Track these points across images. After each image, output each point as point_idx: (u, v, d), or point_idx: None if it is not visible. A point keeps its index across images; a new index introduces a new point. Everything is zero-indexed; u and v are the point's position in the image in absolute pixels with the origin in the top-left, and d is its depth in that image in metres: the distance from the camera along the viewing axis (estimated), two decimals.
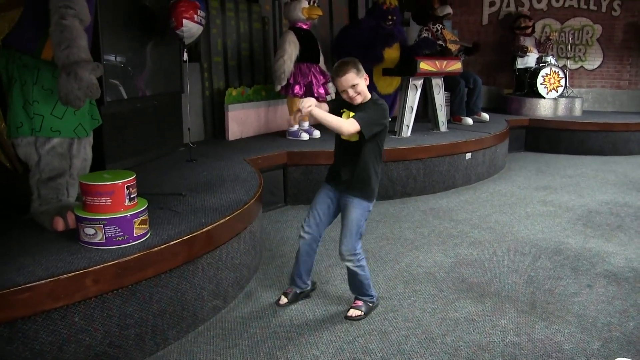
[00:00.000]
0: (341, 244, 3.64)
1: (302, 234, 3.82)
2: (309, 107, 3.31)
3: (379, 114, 3.47)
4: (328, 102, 3.67)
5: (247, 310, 3.87)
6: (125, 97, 5.23)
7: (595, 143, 9.69)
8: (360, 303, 3.76)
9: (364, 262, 3.68)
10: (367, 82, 3.50)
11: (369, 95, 3.52)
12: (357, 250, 3.63)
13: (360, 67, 3.45)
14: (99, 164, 4.43)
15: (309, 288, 4.03)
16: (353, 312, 3.73)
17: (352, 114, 3.49)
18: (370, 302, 3.79)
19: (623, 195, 6.89)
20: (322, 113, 3.34)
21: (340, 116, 3.48)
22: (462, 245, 5.12)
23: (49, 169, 3.60)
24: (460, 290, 4.18)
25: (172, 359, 3.26)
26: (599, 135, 9.66)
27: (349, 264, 3.66)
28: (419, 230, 5.57)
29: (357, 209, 3.60)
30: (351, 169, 3.58)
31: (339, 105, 3.57)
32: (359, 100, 3.48)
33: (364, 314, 3.73)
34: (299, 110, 3.37)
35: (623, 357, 2.35)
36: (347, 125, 3.35)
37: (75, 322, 2.87)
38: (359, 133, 3.40)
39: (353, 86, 3.41)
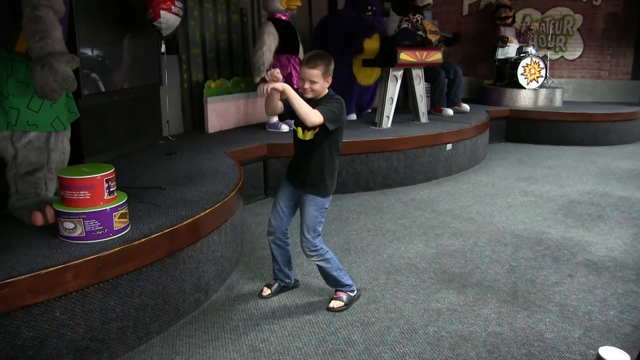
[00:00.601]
0: (301, 241, 3.66)
1: (268, 229, 3.83)
2: (277, 74, 3.37)
3: (339, 108, 3.45)
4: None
5: (229, 302, 3.86)
6: (103, 89, 5.17)
7: (575, 133, 9.76)
8: (340, 294, 3.76)
9: (328, 255, 3.69)
10: (329, 84, 3.49)
11: (323, 93, 3.50)
12: (317, 245, 3.63)
13: (331, 68, 3.46)
14: (77, 158, 4.38)
15: (292, 283, 4.02)
16: (334, 304, 3.73)
17: None
18: (351, 292, 3.78)
19: (603, 186, 6.94)
20: (294, 93, 3.31)
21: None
22: (443, 236, 5.13)
23: (26, 163, 3.55)
24: (442, 281, 4.19)
25: (154, 352, 3.24)
26: (579, 125, 9.73)
27: (313, 259, 3.69)
28: (401, 221, 5.57)
29: (312, 205, 3.60)
30: (306, 168, 3.59)
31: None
32: (308, 95, 3.46)
33: (345, 304, 3.73)
34: (266, 80, 3.37)
35: (604, 345, 2.36)
36: (313, 115, 3.30)
37: (57, 316, 2.84)
38: (315, 133, 3.44)
39: (311, 82, 3.42)
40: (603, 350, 2.14)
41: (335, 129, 3.44)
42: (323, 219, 3.67)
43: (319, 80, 3.41)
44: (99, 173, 3.18)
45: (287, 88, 3.32)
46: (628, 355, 2.11)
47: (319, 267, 3.74)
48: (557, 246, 4.86)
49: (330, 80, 3.48)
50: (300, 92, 3.48)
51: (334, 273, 3.71)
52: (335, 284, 3.77)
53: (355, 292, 3.83)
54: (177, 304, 3.54)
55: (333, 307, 3.72)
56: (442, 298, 3.91)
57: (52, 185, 3.70)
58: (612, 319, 3.60)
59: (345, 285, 3.77)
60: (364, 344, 3.31)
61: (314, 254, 3.64)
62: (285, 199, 3.76)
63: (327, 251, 3.69)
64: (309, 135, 3.50)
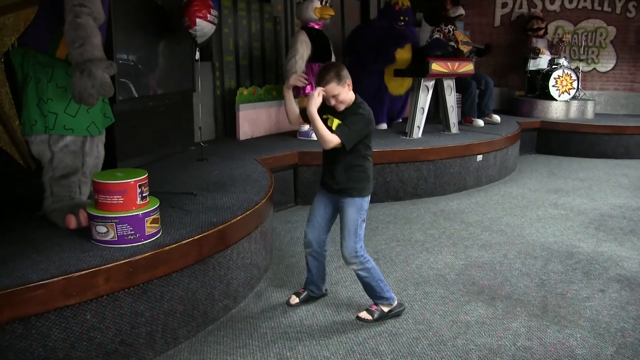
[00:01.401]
0: (341, 247, 3.61)
1: (305, 241, 3.82)
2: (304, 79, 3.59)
3: (361, 126, 3.44)
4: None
5: (257, 310, 3.87)
6: (137, 95, 5.23)
7: (607, 146, 9.64)
8: (374, 308, 3.72)
9: (369, 264, 3.62)
10: (350, 87, 3.48)
11: (352, 99, 3.51)
12: (359, 252, 3.58)
13: (343, 73, 3.42)
14: (110, 162, 4.44)
15: (320, 293, 4.03)
16: (364, 315, 3.72)
17: (336, 121, 3.49)
18: (388, 306, 3.70)
19: (636, 199, 6.84)
20: (316, 115, 3.36)
21: (325, 122, 3.46)
22: (472, 248, 5.10)
23: (61, 166, 3.61)
24: (471, 293, 4.16)
25: (182, 358, 3.26)
26: (611, 138, 9.61)
27: (354, 267, 3.63)
28: (430, 231, 5.55)
29: (351, 208, 3.58)
30: (338, 172, 3.58)
31: (322, 109, 3.45)
32: (341, 108, 3.49)
33: (374, 319, 3.68)
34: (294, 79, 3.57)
35: None
36: (329, 139, 3.35)
37: (87, 319, 2.88)
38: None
39: (334, 96, 3.42)
40: None
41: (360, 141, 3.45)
42: (364, 223, 3.62)
43: (339, 91, 3.41)
44: (133, 178, 3.23)
45: (311, 105, 3.36)
46: None
47: (358, 275, 3.68)
48: (588, 260, 4.80)
49: (350, 83, 3.45)
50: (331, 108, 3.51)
51: (374, 283, 3.66)
52: (374, 295, 3.71)
53: (394, 305, 3.73)
54: (206, 310, 3.57)
55: (360, 317, 3.72)
56: (470, 310, 3.88)
57: (85, 189, 3.75)
58: None
59: (384, 298, 3.70)
60: (392, 355, 3.30)
61: (354, 260, 3.58)
62: (321, 209, 3.75)
63: (368, 260, 3.63)
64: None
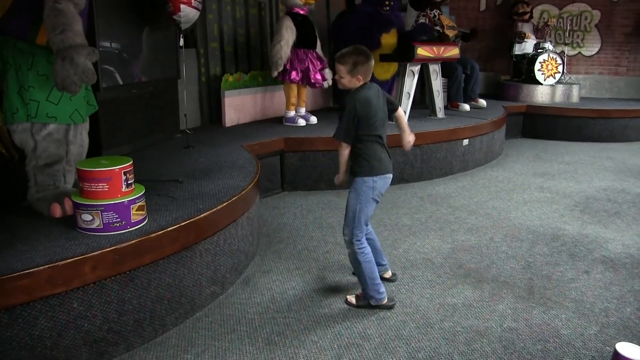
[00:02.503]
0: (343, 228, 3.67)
1: None
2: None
3: (347, 111, 3.52)
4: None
5: (245, 296, 3.87)
6: (121, 82, 5.20)
7: (592, 130, 9.70)
8: (362, 295, 3.71)
9: (361, 257, 3.59)
10: (359, 82, 3.55)
11: (352, 88, 3.58)
12: (353, 239, 3.58)
13: (358, 68, 3.50)
14: (95, 150, 4.41)
15: (384, 268, 4.05)
16: (351, 299, 3.74)
17: None
18: (373, 301, 3.65)
19: (620, 182, 6.90)
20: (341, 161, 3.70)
21: None
22: (459, 232, 5.12)
23: (45, 155, 3.58)
24: (458, 276, 4.18)
25: (170, 344, 3.26)
26: (596, 121, 9.67)
27: (348, 251, 3.67)
28: (417, 216, 5.57)
29: (352, 192, 3.63)
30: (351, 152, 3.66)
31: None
32: (340, 86, 3.66)
33: (356, 305, 3.69)
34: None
35: (621, 342, 2.37)
36: (341, 152, 3.65)
37: (74, 308, 2.87)
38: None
39: (339, 75, 3.56)
40: (620, 347, 2.14)
41: (355, 124, 3.52)
42: (363, 207, 3.57)
43: (345, 76, 3.53)
44: (117, 165, 3.21)
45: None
46: None
47: (350, 261, 3.72)
48: (573, 242, 4.84)
49: (360, 78, 3.52)
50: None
51: (361, 278, 3.65)
52: (361, 284, 3.69)
53: (381, 304, 3.66)
54: (194, 297, 3.57)
55: (347, 300, 3.75)
56: (457, 293, 3.91)
57: (70, 178, 3.72)
58: (629, 316, 3.58)
59: (368, 294, 3.65)
60: (380, 338, 3.32)
61: (349, 244, 3.63)
62: None
63: (363, 252, 3.60)
64: None
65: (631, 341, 3.19)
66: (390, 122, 3.79)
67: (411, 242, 4.86)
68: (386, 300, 3.68)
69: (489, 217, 5.54)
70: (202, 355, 3.15)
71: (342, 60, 3.51)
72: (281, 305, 3.73)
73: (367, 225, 3.70)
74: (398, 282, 4.07)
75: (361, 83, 3.55)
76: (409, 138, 3.93)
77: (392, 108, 3.82)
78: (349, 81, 3.54)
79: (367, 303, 3.68)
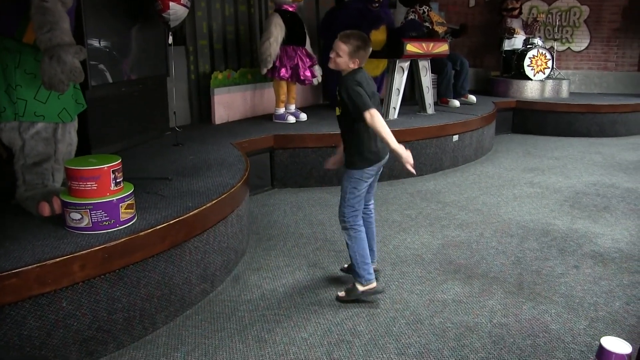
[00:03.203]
0: None
1: None
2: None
3: (354, 88, 3.47)
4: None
5: (235, 293, 3.87)
6: (110, 81, 5.18)
7: (582, 125, 9.72)
8: (351, 286, 3.73)
9: (354, 234, 3.66)
10: (355, 66, 3.55)
11: (344, 70, 3.58)
12: (346, 217, 3.65)
13: (361, 53, 3.52)
14: (84, 149, 4.39)
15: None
16: (340, 294, 3.75)
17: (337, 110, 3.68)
18: (360, 285, 3.68)
19: (610, 177, 6.92)
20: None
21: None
22: (449, 227, 5.13)
23: (33, 154, 3.57)
24: (448, 272, 4.19)
25: (160, 342, 3.26)
26: (585, 116, 9.70)
27: (342, 229, 3.74)
28: (407, 212, 5.58)
29: (344, 179, 3.68)
30: (344, 143, 3.72)
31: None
32: (331, 65, 3.61)
33: (347, 297, 3.70)
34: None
35: (609, 336, 2.37)
36: (376, 120, 3.43)
37: (63, 307, 2.86)
38: (341, 107, 3.61)
39: (337, 53, 3.53)
40: (605, 341, 2.15)
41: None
42: (354, 189, 3.65)
43: (344, 56, 3.51)
44: (106, 164, 3.20)
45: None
46: (630, 345, 2.12)
47: (345, 240, 3.76)
48: (563, 237, 4.86)
49: (357, 62, 3.53)
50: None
51: (351, 253, 3.69)
52: (352, 266, 3.72)
53: (368, 287, 3.68)
54: (183, 295, 3.56)
55: (339, 295, 3.75)
56: (447, 289, 3.92)
57: (59, 176, 3.71)
58: (618, 310, 3.60)
59: (357, 274, 3.69)
60: (370, 334, 3.33)
61: (342, 223, 3.70)
62: None
63: (356, 229, 3.68)
64: (337, 111, 3.68)
65: (620, 335, 3.21)
66: None
67: (401, 238, 4.87)
68: (375, 284, 3.71)
69: (479, 212, 5.55)
70: (192, 353, 3.14)
71: (347, 40, 3.49)
72: (271, 303, 3.73)
73: (367, 204, 3.85)
74: (388, 278, 4.07)
75: (356, 67, 3.55)
76: None
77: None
78: (344, 62, 3.52)
79: (357, 293, 3.69)
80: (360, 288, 3.69)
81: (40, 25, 3.23)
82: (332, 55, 3.56)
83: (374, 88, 3.68)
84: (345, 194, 3.66)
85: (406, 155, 3.51)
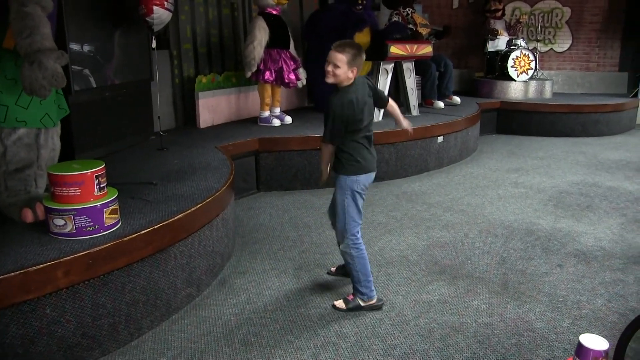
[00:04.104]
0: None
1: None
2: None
3: (332, 113, 3.45)
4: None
5: (221, 297, 3.87)
6: (94, 85, 5.16)
7: (565, 125, 9.79)
8: (351, 298, 3.70)
9: (355, 252, 3.62)
10: (353, 75, 3.47)
11: (343, 83, 3.48)
12: (347, 233, 3.61)
13: (358, 61, 3.45)
14: (68, 154, 4.37)
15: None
16: (339, 303, 3.71)
17: None
18: (363, 301, 3.66)
19: (592, 176, 6.98)
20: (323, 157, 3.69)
21: None
22: (434, 228, 5.15)
23: (15, 160, 3.54)
24: (433, 273, 4.21)
25: (146, 348, 3.25)
26: (569, 116, 9.77)
27: (341, 245, 3.68)
28: (392, 214, 5.59)
29: (337, 189, 3.66)
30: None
31: None
32: (330, 79, 3.49)
33: (347, 309, 3.66)
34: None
35: (591, 333, 2.40)
36: (322, 149, 3.65)
37: (47, 314, 2.85)
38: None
39: (335, 65, 3.42)
40: (583, 338, 2.19)
41: (340, 125, 3.47)
42: (351, 201, 3.61)
43: (343, 66, 3.41)
44: (89, 169, 3.19)
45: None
46: (607, 342, 2.17)
47: (343, 257, 3.72)
48: (547, 237, 4.89)
49: (355, 71, 3.46)
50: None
51: (353, 272, 3.65)
52: (353, 283, 3.70)
53: (370, 303, 3.67)
54: (169, 299, 3.55)
55: (336, 305, 3.71)
56: (433, 290, 3.93)
57: (42, 182, 3.68)
58: (600, 308, 3.64)
59: (358, 291, 3.66)
60: (355, 336, 3.34)
61: (341, 240, 3.68)
62: None
63: (357, 248, 3.63)
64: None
65: (602, 333, 3.26)
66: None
67: (387, 239, 4.89)
68: (375, 299, 3.69)
69: (463, 213, 5.58)
70: (178, 358, 3.14)
71: (342, 50, 3.40)
72: (257, 306, 3.73)
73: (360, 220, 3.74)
74: (374, 280, 4.04)
75: (354, 76, 3.48)
76: (404, 125, 4.05)
77: (382, 103, 3.88)
78: (344, 72, 3.42)
79: (356, 304, 3.66)
80: (362, 304, 3.67)
81: (20, 30, 3.20)
82: (329, 68, 3.44)
83: (368, 94, 3.61)
84: (342, 207, 3.63)
85: (325, 178, 3.75)
